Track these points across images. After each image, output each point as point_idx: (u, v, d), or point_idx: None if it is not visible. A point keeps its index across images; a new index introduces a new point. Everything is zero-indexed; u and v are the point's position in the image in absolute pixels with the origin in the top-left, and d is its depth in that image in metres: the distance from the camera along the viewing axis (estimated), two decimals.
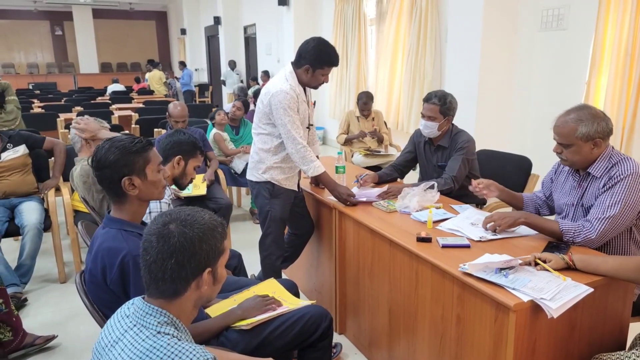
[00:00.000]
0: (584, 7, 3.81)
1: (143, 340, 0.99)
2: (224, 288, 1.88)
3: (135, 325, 1.03)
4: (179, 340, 1.00)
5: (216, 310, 1.66)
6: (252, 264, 2.73)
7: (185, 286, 1.05)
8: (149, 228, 1.07)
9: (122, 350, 1.00)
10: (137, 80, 12.93)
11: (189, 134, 2.26)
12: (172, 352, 0.96)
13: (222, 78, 11.54)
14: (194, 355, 0.96)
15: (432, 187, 2.25)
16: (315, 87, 2.35)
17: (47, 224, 3.01)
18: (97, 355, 1.07)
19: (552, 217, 1.98)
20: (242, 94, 6.86)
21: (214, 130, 4.20)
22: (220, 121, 4.23)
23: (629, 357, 1.40)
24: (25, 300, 2.87)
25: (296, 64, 2.29)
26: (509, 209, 2.18)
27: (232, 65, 11.24)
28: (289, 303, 1.74)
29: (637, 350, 1.43)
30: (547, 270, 1.50)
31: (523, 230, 1.87)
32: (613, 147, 1.80)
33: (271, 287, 1.86)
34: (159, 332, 1.00)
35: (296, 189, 2.45)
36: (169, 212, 1.09)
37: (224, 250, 1.11)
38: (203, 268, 1.06)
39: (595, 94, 3.75)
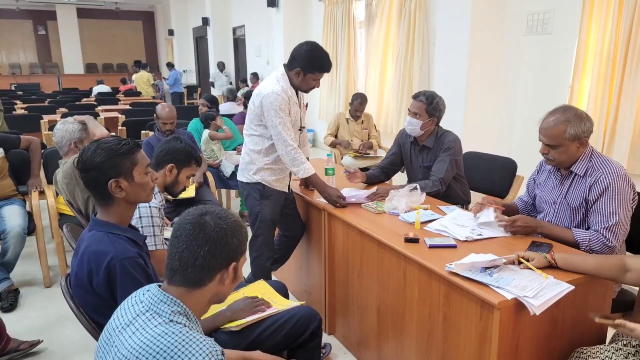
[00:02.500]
0: (568, 12, 3.89)
1: (155, 326, 1.01)
2: None
3: (147, 311, 1.05)
4: (190, 329, 1.02)
5: None
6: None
7: (211, 276, 1.09)
8: (182, 219, 1.11)
9: (133, 333, 1.02)
10: (124, 82, 12.78)
11: (185, 142, 2.21)
12: (183, 340, 0.98)
13: (210, 80, 11.48)
14: (204, 345, 0.98)
15: (417, 188, 2.28)
16: (306, 91, 2.37)
17: (31, 228, 2.95)
18: (108, 335, 1.09)
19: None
20: (231, 96, 6.85)
21: (208, 131, 4.20)
22: (219, 127, 4.23)
23: (608, 351, 1.44)
24: (18, 292, 2.86)
25: (288, 66, 2.30)
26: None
27: (221, 66, 11.20)
28: (279, 304, 1.75)
29: (616, 344, 1.48)
30: (530, 268, 1.53)
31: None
32: (593, 147, 1.86)
33: (260, 289, 1.87)
34: (171, 321, 1.02)
35: (287, 191, 2.46)
36: (202, 206, 1.13)
37: (246, 250, 1.16)
38: (230, 261, 1.10)
39: (579, 98, 3.83)
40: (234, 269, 1.12)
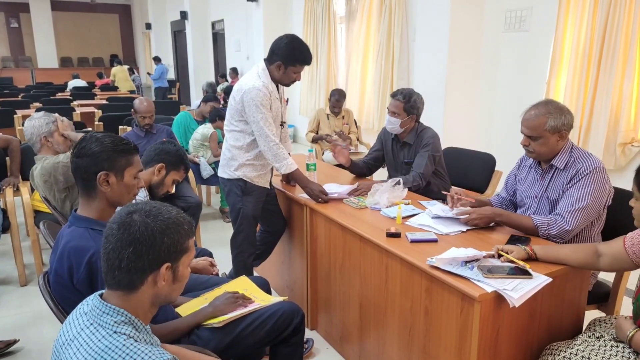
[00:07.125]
0: (545, 10, 3.97)
1: (99, 340, 0.97)
2: (195, 287, 1.86)
3: (92, 324, 1.00)
4: (136, 341, 0.97)
5: (187, 309, 1.65)
6: (223, 263, 2.71)
7: (142, 278, 1.03)
8: (113, 217, 1.06)
9: (78, 349, 0.97)
10: (100, 76, 12.50)
11: (179, 147, 2.30)
12: (127, 354, 0.94)
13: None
14: (149, 357, 0.94)
15: (398, 183, 2.30)
16: (287, 85, 2.35)
17: (5, 225, 2.87)
18: (56, 352, 1.04)
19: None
20: (210, 90, 6.77)
21: (212, 129, 4.12)
22: (218, 127, 4.15)
23: (576, 341, 1.49)
24: None
25: (268, 60, 2.28)
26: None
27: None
28: (261, 300, 1.74)
29: (583, 335, 1.52)
30: (512, 260, 1.56)
31: None
32: (572, 142, 1.90)
33: (243, 285, 1.85)
34: (115, 332, 0.98)
35: (268, 187, 2.45)
36: (135, 203, 1.07)
37: (188, 249, 1.08)
38: (161, 262, 1.03)
39: (555, 94, 3.92)
40: (169, 269, 1.04)
